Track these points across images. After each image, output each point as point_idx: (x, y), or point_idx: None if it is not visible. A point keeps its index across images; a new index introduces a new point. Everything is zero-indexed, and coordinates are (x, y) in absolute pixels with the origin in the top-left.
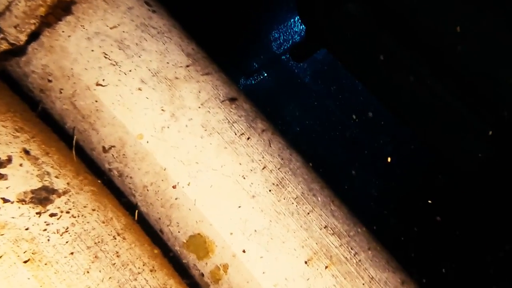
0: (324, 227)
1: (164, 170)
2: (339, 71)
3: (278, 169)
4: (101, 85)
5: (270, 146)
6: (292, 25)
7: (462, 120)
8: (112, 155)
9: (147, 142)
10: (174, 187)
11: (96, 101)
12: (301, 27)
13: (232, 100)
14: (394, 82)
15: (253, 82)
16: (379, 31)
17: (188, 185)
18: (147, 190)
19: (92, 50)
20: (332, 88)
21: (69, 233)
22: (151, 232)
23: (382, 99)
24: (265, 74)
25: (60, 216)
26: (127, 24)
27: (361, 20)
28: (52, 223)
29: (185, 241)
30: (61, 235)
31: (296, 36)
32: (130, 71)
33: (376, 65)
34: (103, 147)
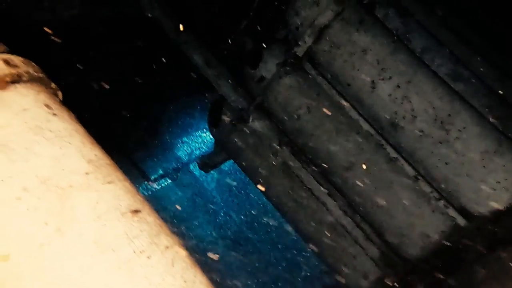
0: None
1: None
2: (244, 182)
3: None
4: None
5: (173, 266)
6: (201, 135)
7: (351, 238)
8: None
9: (14, 264)
10: None
11: None
12: (209, 137)
13: (135, 212)
14: (289, 195)
15: (156, 188)
16: (278, 147)
17: None
18: None
19: None
20: (236, 200)
21: None
22: None
23: (281, 211)
24: (169, 181)
25: None
26: (17, 125)
27: (264, 136)
28: None
29: None
30: None
31: (203, 145)
32: (10, 177)
33: (277, 178)
34: None
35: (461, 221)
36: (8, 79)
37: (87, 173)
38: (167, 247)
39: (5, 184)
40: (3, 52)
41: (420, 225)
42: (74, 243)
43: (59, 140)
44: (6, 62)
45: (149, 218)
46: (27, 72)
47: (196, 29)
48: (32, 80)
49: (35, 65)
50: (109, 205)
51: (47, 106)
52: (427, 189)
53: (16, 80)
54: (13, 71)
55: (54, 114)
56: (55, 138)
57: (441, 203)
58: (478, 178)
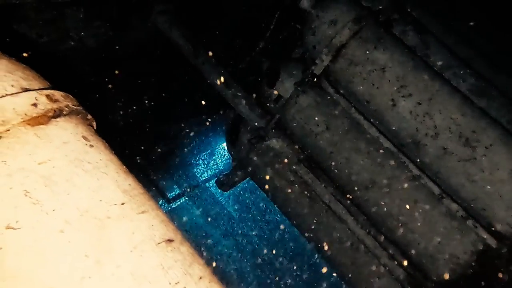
0: None
1: None
2: (261, 199)
3: None
4: (12, 228)
5: None
6: (219, 154)
7: (372, 256)
8: None
9: None
10: None
11: (0, 249)
12: (226, 156)
13: (168, 241)
14: (308, 214)
15: (173, 206)
16: (297, 165)
17: None
18: None
19: (11, 188)
20: (255, 217)
21: None
22: None
23: (301, 229)
24: (187, 199)
25: None
26: (59, 159)
27: (282, 154)
28: None
29: None
30: None
31: (220, 165)
32: (53, 210)
33: (296, 197)
34: None
35: (491, 241)
36: (50, 114)
37: (122, 204)
38: (200, 278)
39: (50, 217)
40: (46, 88)
41: (448, 245)
42: (113, 276)
43: (96, 171)
44: (49, 97)
45: (182, 248)
46: (67, 106)
47: (213, 50)
48: (71, 113)
49: (73, 98)
50: (144, 235)
51: (84, 138)
52: (454, 207)
53: (57, 114)
54: (55, 106)
55: (91, 146)
56: (93, 169)
57: (470, 222)
58: (508, 196)
